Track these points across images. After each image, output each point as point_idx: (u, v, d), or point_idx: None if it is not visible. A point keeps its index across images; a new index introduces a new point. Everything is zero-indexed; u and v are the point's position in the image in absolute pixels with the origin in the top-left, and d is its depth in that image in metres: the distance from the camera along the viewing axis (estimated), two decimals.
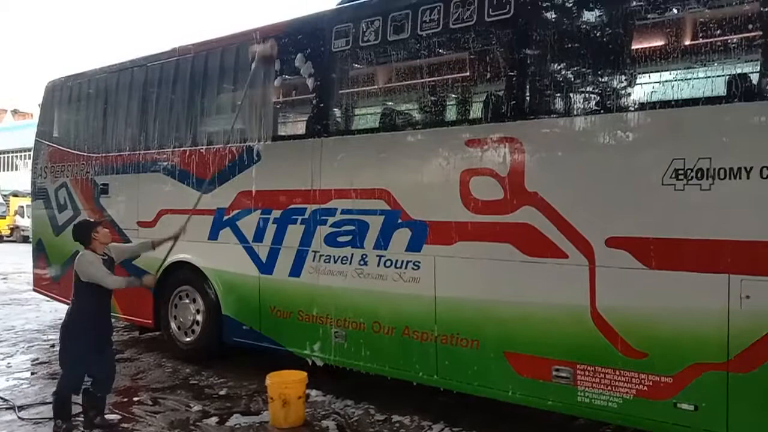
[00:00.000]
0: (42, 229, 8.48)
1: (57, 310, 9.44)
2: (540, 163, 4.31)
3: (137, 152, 7.07)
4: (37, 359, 6.91)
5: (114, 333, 7.99)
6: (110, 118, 7.53)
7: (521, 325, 4.37)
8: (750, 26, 3.68)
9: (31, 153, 9.26)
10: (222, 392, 5.69)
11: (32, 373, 6.41)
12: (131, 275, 5.29)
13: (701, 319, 3.70)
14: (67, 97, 8.26)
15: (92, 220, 5.08)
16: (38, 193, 8.60)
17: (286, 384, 4.79)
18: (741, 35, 3.72)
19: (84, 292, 4.69)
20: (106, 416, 4.92)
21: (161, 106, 6.93)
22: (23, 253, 15.53)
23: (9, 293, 11.75)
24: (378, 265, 5.07)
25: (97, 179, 7.55)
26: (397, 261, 4.96)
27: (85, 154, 7.76)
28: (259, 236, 5.85)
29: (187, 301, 6.57)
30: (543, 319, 4.26)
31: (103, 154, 7.50)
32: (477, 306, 4.56)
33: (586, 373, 4.11)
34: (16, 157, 39.51)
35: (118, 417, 5.04)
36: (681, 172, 3.71)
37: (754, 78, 3.66)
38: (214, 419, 5.01)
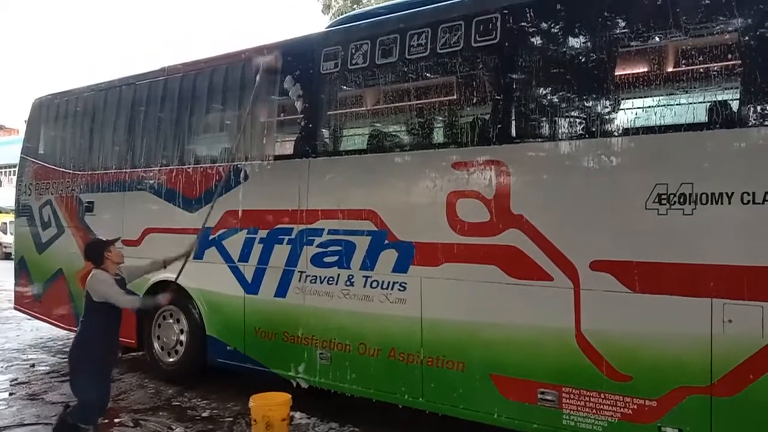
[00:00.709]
0: (25, 246, 8.38)
1: (38, 329, 9.32)
2: (526, 186, 4.35)
3: (123, 170, 7.04)
4: (15, 379, 6.78)
5: None
6: (97, 136, 7.51)
7: (507, 348, 4.38)
8: (730, 55, 3.78)
9: (16, 169, 9.19)
10: (205, 414, 5.61)
11: (10, 394, 6.28)
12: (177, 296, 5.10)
13: (685, 343, 3.73)
14: (54, 114, 8.23)
15: (105, 239, 4.93)
16: (22, 210, 8.51)
17: (269, 406, 4.73)
18: (721, 63, 3.81)
19: (96, 312, 4.53)
20: None
21: (148, 125, 6.93)
22: (4, 271, 15.27)
23: None
24: (364, 286, 5.06)
25: (82, 197, 7.49)
26: (383, 282, 4.96)
27: (70, 171, 7.71)
28: (244, 256, 5.82)
29: (171, 321, 6.51)
30: (528, 342, 4.27)
31: (89, 172, 7.46)
32: (463, 328, 4.57)
33: (572, 396, 4.11)
34: (1, 173, 39.14)
35: None
36: (664, 196, 3.77)
37: (734, 105, 3.74)
38: None
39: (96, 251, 4.70)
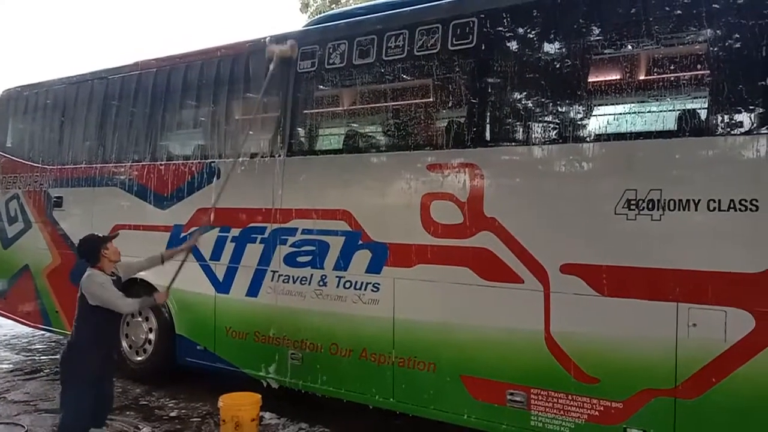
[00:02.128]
0: None
1: (1, 326, 9.08)
2: (498, 189, 4.40)
3: (94, 165, 6.92)
4: None
5: (61, 350, 7.78)
6: (67, 130, 7.37)
7: (477, 349, 4.41)
8: (699, 65, 3.87)
9: None
10: (173, 414, 5.54)
11: None
12: (141, 295, 4.66)
13: (651, 346, 3.80)
14: (23, 107, 8.05)
15: (101, 235, 4.50)
16: None
17: (239, 406, 4.68)
18: (691, 73, 3.90)
19: (92, 316, 4.18)
20: None
21: (120, 120, 6.82)
22: None
23: None
24: (337, 287, 5.05)
25: (51, 192, 7.34)
26: (356, 282, 4.96)
27: (39, 165, 7.55)
28: (216, 254, 5.77)
29: (140, 319, 6.41)
30: (499, 343, 4.31)
31: (59, 167, 7.32)
32: (435, 329, 4.59)
33: (540, 397, 4.16)
34: None
35: None
36: (633, 202, 3.83)
37: (703, 114, 3.83)
38: None
39: (91, 248, 4.34)
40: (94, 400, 4.19)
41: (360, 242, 4.94)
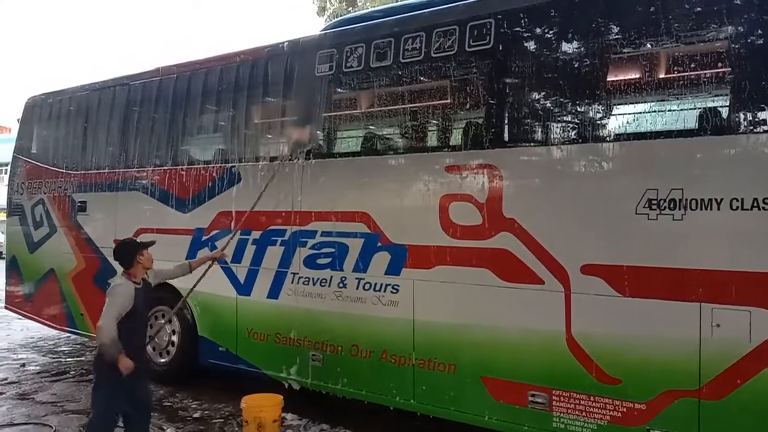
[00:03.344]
0: (17, 245, 8.35)
1: (29, 329, 9.28)
2: (518, 190, 4.39)
3: (116, 171, 7.03)
4: (6, 379, 6.75)
5: (87, 352, 7.91)
6: (90, 135, 7.50)
7: (498, 350, 4.40)
8: (720, 63, 3.83)
9: (8, 168, 9.15)
10: (196, 415, 5.61)
11: (0, 393, 6.25)
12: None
13: (674, 347, 3.77)
14: (47, 113, 8.21)
15: (139, 241, 4.48)
16: (14, 210, 8.47)
17: (261, 407, 4.74)
18: (712, 71, 3.86)
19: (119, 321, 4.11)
20: None
21: (142, 126, 6.93)
22: None
23: None
24: (357, 288, 5.08)
25: (75, 196, 7.48)
26: (376, 284, 4.98)
27: (63, 171, 7.69)
28: (237, 257, 5.83)
29: (163, 321, 6.49)
30: (519, 345, 4.30)
31: (82, 172, 7.44)
32: (454, 330, 4.59)
33: (562, 398, 4.14)
34: None
35: None
36: (654, 202, 3.80)
37: (724, 112, 3.79)
38: None
39: (128, 254, 4.33)
40: (125, 401, 4.17)
41: (379, 244, 4.96)
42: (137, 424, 4.31)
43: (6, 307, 8.71)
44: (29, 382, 6.61)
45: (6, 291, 8.64)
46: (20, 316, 8.64)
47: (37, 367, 7.26)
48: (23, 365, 7.32)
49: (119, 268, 4.43)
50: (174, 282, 5.52)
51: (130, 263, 4.30)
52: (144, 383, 4.44)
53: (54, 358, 7.76)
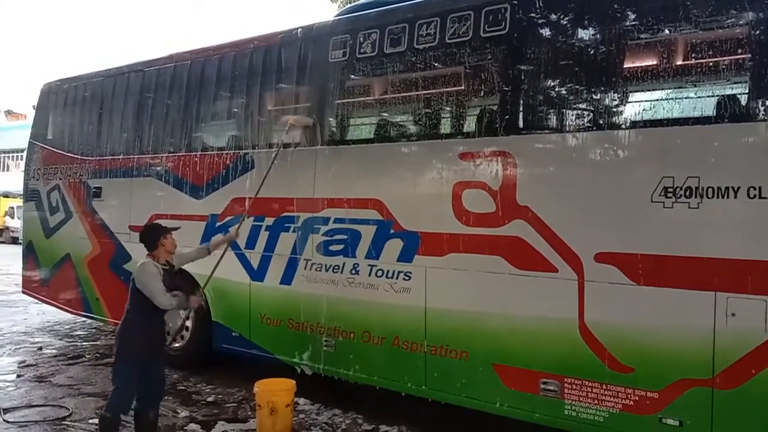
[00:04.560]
0: (33, 231, 8.45)
1: (45, 313, 9.41)
2: (532, 177, 4.36)
3: (131, 156, 7.08)
4: (23, 362, 6.86)
5: (102, 336, 8.02)
6: (105, 122, 7.55)
7: (510, 338, 4.40)
8: (739, 49, 3.77)
9: (24, 154, 9.25)
10: (210, 399, 5.67)
11: (18, 376, 6.36)
12: (177, 293, 4.55)
13: (688, 336, 3.75)
14: (63, 99, 8.27)
15: (164, 225, 4.65)
16: (30, 195, 8.57)
17: (274, 392, 4.78)
18: (730, 57, 3.80)
19: (140, 299, 4.31)
20: None
21: (157, 112, 6.96)
22: (12, 255, 15.42)
23: None
24: (369, 275, 5.09)
25: (90, 182, 7.54)
26: (388, 271, 4.99)
27: (79, 157, 7.76)
28: (251, 243, 5.86)
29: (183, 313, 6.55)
30: (532, 332, 4.30)
31: (97, 158, 7.50)
32: (467, 318, 4.59)
33: (574, 386, 4.14)
34: (8, 157, 39.26)
35: None
36: (670, 190, 3.77)
37: (743, 99, 3.74)
38: (201, 426, 5.00)
39: (152, 236, 4.48)
40: (141, 381, 4.29)
41: (391, 231, 4.97)
42: (150, 400, 4.42)
43: (23, 292, 8.84)
44: (46, 365, 6.71)
45: (23, 275, 8.77)
46: (37, 301, 8.77)
47: (54, 351, 7.37)
48: (40, 349, 7.43)
49: (134, 254, 4.53)
50: (190, 269, 5.57)
51: (155, 246, 4.45)
52: (161, 363, 4.56)
53: (70, 342, 7.88)
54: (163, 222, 5.19)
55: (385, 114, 5.60)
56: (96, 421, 4.74)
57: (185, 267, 5.51)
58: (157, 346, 4.39)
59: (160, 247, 4.45)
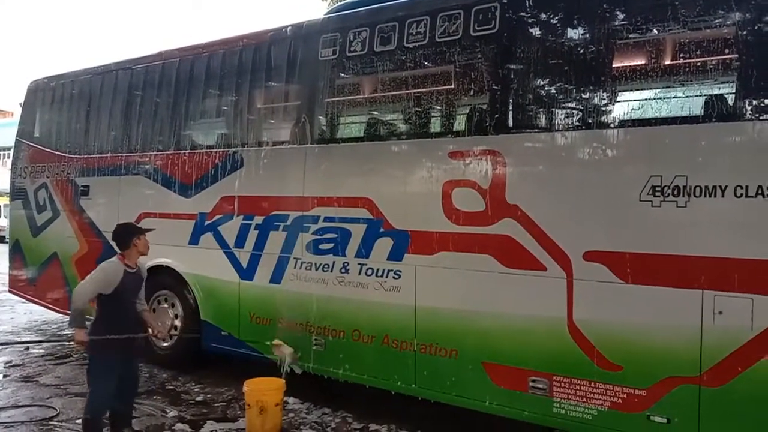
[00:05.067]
0: (20, 229, 8.36)
1: (32, 312, 9.33)
2: (521, 176, 4.38)
3: (120, 155, 7.03)
4: (10, 362, 6.80)
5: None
6: (93, 119, 7.48)
7: (499, 336, 4.41)
8: (727, 49, 3.80)
9: (11, 152, 9.16)
10: (199, 398, 5.65)
11: (5, 376, 6.30)
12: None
13: (675, 334, 3.77)
14: (50, 97, 8.19)
15: (139, 225, 4.64)
16: (17, 193, 8.49)
17: (263, 391, 4.77)
18: (718, 57, 3.83)
19: (106, 298, 4.30)
20: (134, 428, 4.64)
21: (145, 110, 6.91)
22: None
23: None
24: (359, 274, 5.09)
25: (77, 181, 7.48)
26: (378, 270, 4.98)
27: (66, 155, 7.69)
28: (240, 242, 5.84)
29: (166, 305, 6.52)
30: (521, 331, 4.31)
31: (85, 156, 7.44)
32: (456, 316, 4.60)
33: (562, 384, 4.16)
34: None
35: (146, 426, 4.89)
36: (658, 189, 3.79)
37: (730, 99, 3.76)
38: (189, 425, 4.97)
39: (125, 235, 4.45)
40: (118, 380, 4.31)
41: (381, 230, 4.96)
42: (123, 396, 4.43)
43: (10, 291, 8.74)
44: (33, 365, 6.66)
45: (9, 275, 8.67)
46: (24, 300, 8.68)
47: (41, 351, 7.31)
48: (27, 348, 7.37)
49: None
50: (177, 267, 5.56)
51: (127, 245, 4.42)
52: (135, 359, 4.59)
53: (57, 341, 7.81)
54: (143, 221, 5.17)
55: (375, 112, 5.60)
56: None
57: (170, 264, 5.51)
58: (128, 343, 4.36)
59: (132, 248, 4.41)
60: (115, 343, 4.26)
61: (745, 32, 3.67)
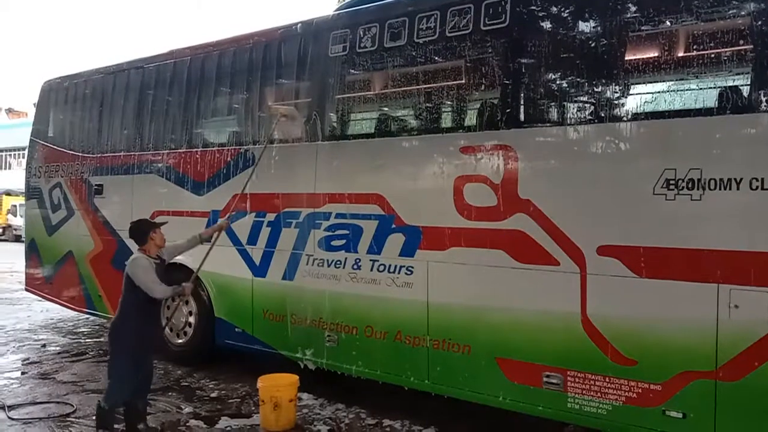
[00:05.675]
0: (35, 228, 8.46)
1: (48, 310, 9.44)
2: (533, 171, 4.35)
3: (132, 153, 7.08)
4: (27, 359, 6.88)
5: (105, 333, 8.03)
6: (106, 119, 7.54)
7: (513, 331, 4.40)
8: (741, 40, 3.75)
9: (26, 152, 9.25)
10: (213, 394, 5.69)
11: (23, 373, 6.38)
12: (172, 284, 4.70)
13: (690, 328, 3.74)
14: (63, 97, 8.27)
15: (152, 220, 4.85)
16: (32, 193, 8.58)
17: (277, 387, 4.79)
18: (732, 48, 3.78)
19: (134, 295, 4.45)
20: (149, 424, 4.70)
21: (157, 108, 6.95)
22: (15, 253, 15.41)
23: (0, 293, 11.69)
24: (371, 270, 5.09)
25: (91, 180, 7.54)
26: (390, 266, 4.98)
27: (80, 154, 7.76)
28: (252, 239, 5.86)
29: (180, 302, 6.56)
30: (534, 326, 4.29)
31: (98, 155, 7.50)
32: (469, 312, 4.59)
33: (577, 379, 4.14)
34: (10, 155, 39.30)
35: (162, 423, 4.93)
36: (672, 182, 3.76)
37: (745, 91, 3.71)
38: (204, 421, 5.01)
39: (141, 231, 4.63)
40: (135, 374, 4.45)
41: (393, 226, 4.96)
42: (139, 391, 4.58)
43: (26, 289, 8.86)
44: (50, 362, 6.73)
45: (26, 273, 8.79)
46: (40, 298, 8.79)
47: (58, 348, 7.39)
48: (44, 346, 7.45)
49: (137, 251, 4.63)
50: (185, 261, 5.60)
51: (144, 240, 4.61)
52: (151, 355, 4.74)
53: (73, 339, 7.90)
54: (156, 219, 5.34)
55: (386, 108, 5.59)
56: None
57: (183, 261, 5.58)
58: (149, 339, 4.57)
59: (149, 242, 4.61)
60: (139, 335, 4.41)
61: (759, 22, 3.62)
